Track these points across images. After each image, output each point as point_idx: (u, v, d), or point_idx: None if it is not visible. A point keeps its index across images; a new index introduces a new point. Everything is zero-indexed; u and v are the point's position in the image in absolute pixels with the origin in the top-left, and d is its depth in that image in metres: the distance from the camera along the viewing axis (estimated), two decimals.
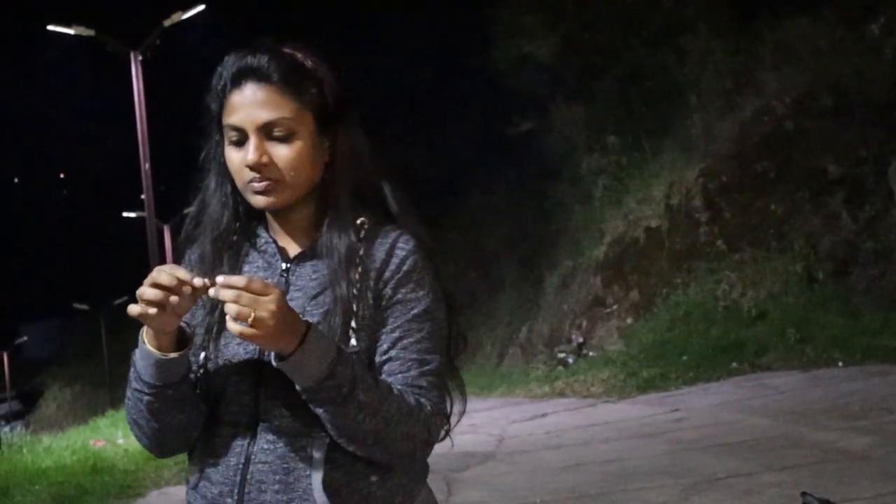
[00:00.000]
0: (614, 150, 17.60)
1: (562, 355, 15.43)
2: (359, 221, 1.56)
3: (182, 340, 1.50)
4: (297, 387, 1.43)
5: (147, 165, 16.40)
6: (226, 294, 1.35)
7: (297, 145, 1.53)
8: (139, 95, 16.75)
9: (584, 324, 16.13)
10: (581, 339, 15.68)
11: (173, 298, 1.40)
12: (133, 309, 1.42)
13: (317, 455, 1.50)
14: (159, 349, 1.47)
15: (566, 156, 19.19)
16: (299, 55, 1.58)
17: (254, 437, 1.53)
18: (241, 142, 1.53)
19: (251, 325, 1.34)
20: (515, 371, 17.00)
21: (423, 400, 1.51)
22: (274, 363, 1.42)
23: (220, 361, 1.55)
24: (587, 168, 18.24)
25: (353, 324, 1.50)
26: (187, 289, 1.40)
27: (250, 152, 1.50)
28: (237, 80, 1.53)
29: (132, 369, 1.51)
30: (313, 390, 1.42)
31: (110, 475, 8.55)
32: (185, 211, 1.70)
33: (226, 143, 1.56)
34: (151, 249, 17.41)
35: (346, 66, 1.65)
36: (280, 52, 1.55)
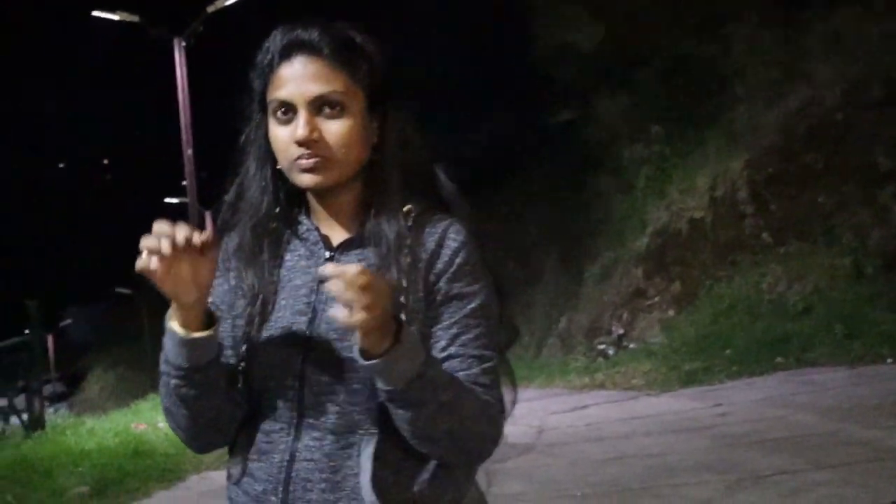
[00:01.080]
0: (658, 140, 17.36)
1: (602, 347, 15.33)
2: (406, 208, 1.50)
3: (210, 323, 1.44)
4: (382, 388, 1.36)
5: (189, 151, 16.49)
6: (336, 285, 1.27)
7: (348, 121, 1.47)
8: (182, 81, 16.83)
9: (625, 315, 15.98)
10: (622, 331, 15.55)
11: (165, 247, 1.33)
12: (137, 263, 1.36)
13: (365, 453, 1.44)
14: (188, 330, 1.42)
15: (608, 146, 18.98)
16: (350, 30, 1.52)
17: (298, 433, 1.47)
18: (288, 118, 1.47)
19: (358, 316, 1.27)
20: (554, 362, 16.90)
21: (487, 397, 1.45)
22: (361, 362, 1.35)
23: (263, 354, 1.49)
24: (629, 158, 18.02)
25: (402, 316, 1.42)
26: (184, 238, 1.34)
27: (300, 127, 1.45)
28: (286, 54, 1.48)
29: (162, 352, 1.46)
30: (401, 392, 1.36)
31: (151, 458, 8.61)
32: (226, 197, 1.64)
33: (270, 120, 1.50)
34: None
35: (394, 58, 1.60)
36: (331, 26, 1.50)
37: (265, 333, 1.50)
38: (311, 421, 1.47)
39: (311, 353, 1.46)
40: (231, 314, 1.54)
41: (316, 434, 1.46)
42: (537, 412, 9.68)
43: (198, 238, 1.36)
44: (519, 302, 20.56)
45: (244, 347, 1.50)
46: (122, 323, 53.30)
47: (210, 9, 17.28)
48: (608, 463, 6.77)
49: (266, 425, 1.50)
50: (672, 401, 9.65)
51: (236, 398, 1.51)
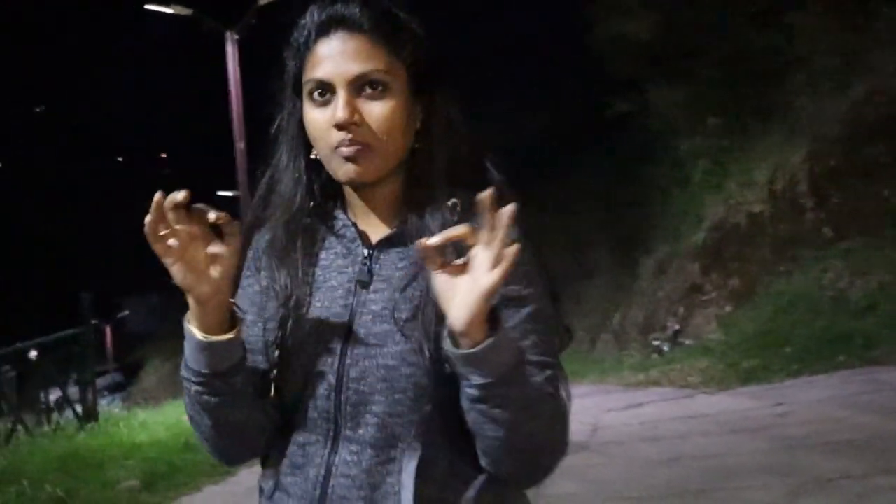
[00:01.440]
0: (715, 132, 17.06)
1: (657, 343, 15.13)
2: (451, 202, 1.36)
3: (233, 326, 1.32)
4: (479, 381, 1.22)
5: (241, 144, 16.57)
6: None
7: (391, 103, 1.34)
8: (234, 75, 16.91)
9: (681, 311, 15.72)
10: (677, 327, 15.32)
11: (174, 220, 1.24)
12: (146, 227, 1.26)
13: (408, 469, 1.31)
14: (207, 333, 1.29)
15: (664, 138, 18.70)
16: (393, 5, 1.39)
17: (335, 446, 1.35)
18: (325, 100, 1.34)
19: (497, 274, 1.16)
20: (608, 358, 16.74)
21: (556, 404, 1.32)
22: (455, 352, 1.22)
23: (296, 361, 1.37)
24: (686, 151, 17.73)
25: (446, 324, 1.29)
26: (179, 200, 1.23)
27: (339, 109, 1.32)
28: (324, 30, 1.35)
29: (182, 355, 1.35)
30: (498, 383, 1.22)
31: (202, 452, 8.51)
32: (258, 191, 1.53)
33: (306, 104, 1.37)
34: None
35: (439, 41, 1.46)
36: (374, 2, 1.37)
37: (298, 338, 1.38)
38: (348, 433, 1.35)
39: (348, 359, 1.34)
40: (262, 317, 1.42)
41: (354, 447, 1.34)
42: (591, 409, 9.51)
43: (213, 215, 1.25)
44: (572, 296, 20.40)
45: (276, 353, 1.38)
46: (178, 314, 53.93)
47: (262, 1, 17.34)
48: (664, 464, 6.60)
49: (300, 437, 1.39)
50: (730, 399, 9.43)
51: (265, 407, 1.39)
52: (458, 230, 1.19)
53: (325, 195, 1.45)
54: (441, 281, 1.21)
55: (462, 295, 1.19)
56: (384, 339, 1.33)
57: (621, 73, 19.21)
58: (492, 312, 1.21)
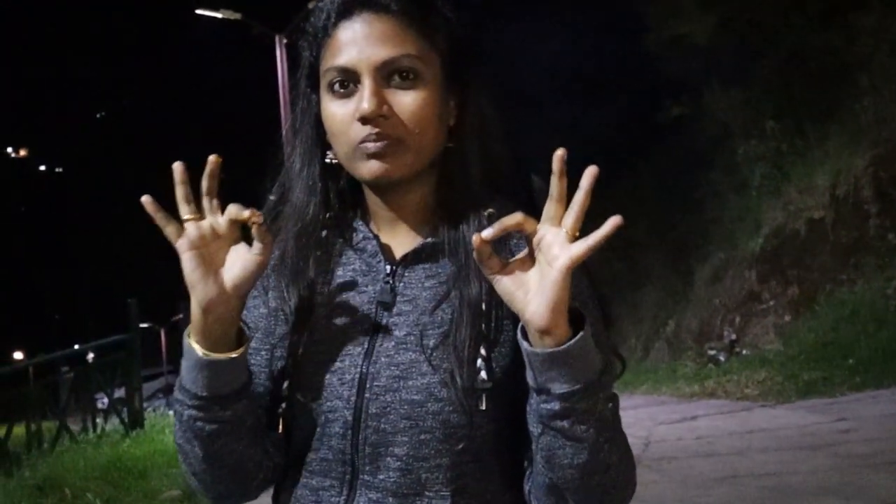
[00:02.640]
0: (774, 136, 16.75)
1: (712, 352, 14.92)
2: (487, 213, 1.17)
3: (239, 344, 1.15)
4: (561, 390, 1.06)
5: (289, 149, 16.62)
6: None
7: (423, 93, 1.16)
8: (283, 78, 16.92)
9: (738, 320, 15.47)
10: (734, 336, 15.09)
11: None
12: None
13: None
14: (209, 350, 1.12)
15: (721, 142, 18.47)
16: None
17: (352, 493, 1.17)
18: (348, 91, 1.16)
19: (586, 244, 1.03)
20: (662, 367, 16.55)
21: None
22: (538, 352, 1.05)
23: (308, 393, 1.18)
24: (743, 155, 17.46)
25: (482, 350, 1.12)
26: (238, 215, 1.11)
27: (365, 99, 1.13)
28: (346, 13, 1.17)
29: (178, 376, 1.17)
30: (588, 391, 1.06)
31: None
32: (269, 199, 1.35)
33: (324, 97, 1.19)
34: None
35: (493, 43, 1.26)
36: None
37: (310, 368, 1.19)
38: (367, 478, 1.17)
39: (367, 393, 1.16)
40: (269, 343, 1.24)
41: (373, 495, 1.16)
42: (644, 422, 9.30)
43: (247, 212, 1.10)
44: (626, 303, 20.21)
45: (285, 384, 1.20)
46: None
47: (311, 5, 17.36)
48: (720, 482, 6.37)
49: (313, 481, 1.20)
50: (789, 413, 9.17)
51: (266, 445, 1.21)
52: (514, 218, 1.05)
53: (343, 204, 1.27)
54: (505, 283, 1.06)
55: (536, 288, 1.05)
56: (409, 369, 1.15)
57: (677, 75, 19.02)
58: (574, 312, 1.06)
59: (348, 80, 1.17)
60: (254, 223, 1.10)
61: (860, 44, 15.18)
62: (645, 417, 9.67)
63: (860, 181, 13.79)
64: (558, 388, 1.05)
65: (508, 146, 1.26)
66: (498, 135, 1.25)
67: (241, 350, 1.14)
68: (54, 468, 7.81)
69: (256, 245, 1.12)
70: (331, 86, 1.18)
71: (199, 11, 17.80)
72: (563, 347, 1.03)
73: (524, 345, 1.06)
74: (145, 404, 13.22)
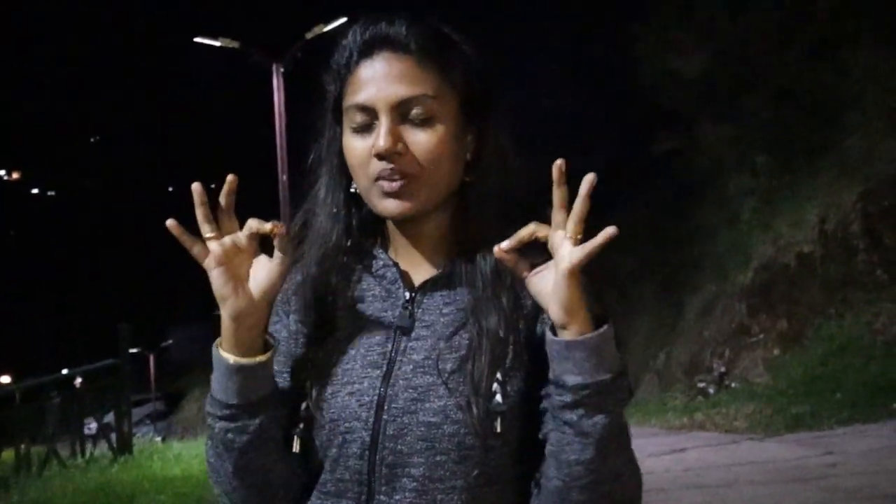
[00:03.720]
0: (764, 170, 16.91)
1: (702, 385, 14.94)
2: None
3: (265, 351, 1.22)
4: (574, 381, 1.11)
5: (285, 177, 16.63)
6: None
7: (439, 131, 1.20)
8: (279, 107, 17.03)
9: (727, 353, 15.50)
10: (723, 369, 15.09)
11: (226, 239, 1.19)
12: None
13: None
14: (236, 356, 1.20)
15: (712, 176, 18.60)
16: (443, 26, 1.25)
17: None
18: (367, 127, 1.21)
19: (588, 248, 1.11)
20: (651, 399, 16.53)
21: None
22: (558, 339, 1.12)
23: (326, 415, 1.22)
24: (734, 189, 17.61)
25: (498, 375, 1.17)
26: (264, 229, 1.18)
27: (381, 136, 1.18)
28: (367, 51, 1.22)
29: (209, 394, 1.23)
30: (600, 387, 1.11)
31: None
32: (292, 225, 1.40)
33: (346, 131, 1.23)
34: None
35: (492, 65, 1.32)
36: (420, 20, 1.23)
37: (329, 389, 1.23)
38: (383, 499, 1.19)
39: (385, 415, 1.19)
40: (289, 365, 1.28)
41: None
42: None
43: (268, 225, 1.17)
44: (616, 334, 20.21)
45: (303, 406, 1.23)
46: None
47: (309, 35, 17.50)
48: None
49: (329, 501, 1.23)
50: (777, 446, 9.17)
51: (292, 465, 1.24)
52: (528, 229, 1.14)
53: (365, 232, 1.31)
54: (533, 284, 1.15)
55: (551, 289, 1.12)
56: (426, 392, 1.19)
57: (669, 109, 19.17)
58: (598, 316, 1.14)
59: (367, 117, 1.21)
60: (276, 234, 1.17)
61: (850, 80, 15.36)
62: (634, 449, 9.66)
63: (849, 216, 13.90)
64: (572, 379, 1.10)
65: (523, 177, 1.29)
66: (513, 168, 1.28)
67: (268, 354, 1.20)
68: (43, 493, 7.77)
69: (278, 254, 1.18)
70: (352, 121, 1.22)
71: (197, 39, 17.94)
72: (580, 338, 1.09)
73: (548, 335, 1.12)
74: (133, 430, 13.14)
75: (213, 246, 1.17)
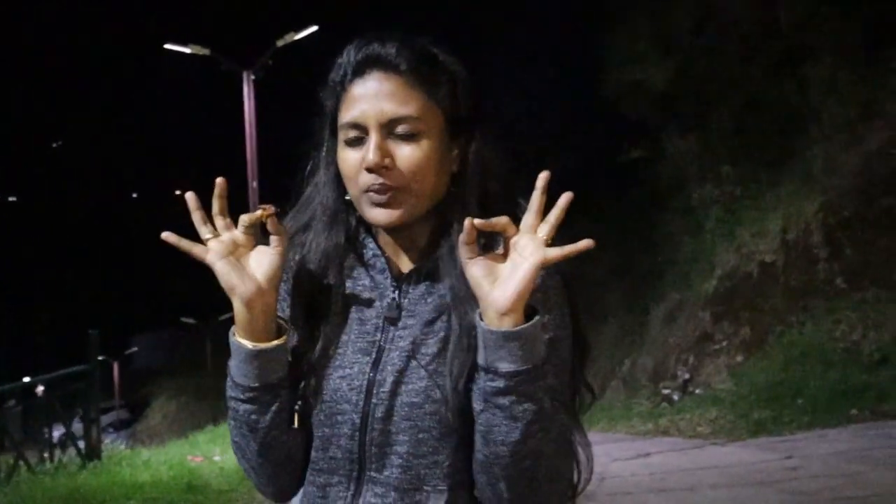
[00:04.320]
0: (728, 180, 17.10)
1: (666, 391, 15.02)
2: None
3: (279, 335, 1.32)
4: (507, 368, 1.22)
5: (255, 184, 16.64)
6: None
7: (424, 146, 1.31)
8: (250, 114, 17.05)
9: (691, 360, 15.62)
10: (687, 376, 15.20)
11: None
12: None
13: None
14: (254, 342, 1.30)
15: (677, 186, 18.75)
16: (432, 46, 1.36)
17: (358, 488, 1.31)
18: (359, 141, 1.32)
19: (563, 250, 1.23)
20: (617, 405, 16.61)
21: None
22: (494, 329, 1.22)
23: (321, 397, 1.33)
24: (699, 199, 17.77)
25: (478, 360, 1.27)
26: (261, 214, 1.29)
27: (370, 151, 1.29)
28: (360, 70, 1.33)
29: (227, 380, 1.33)
30: (530, 374, 1.22)
31: (204, 494, 8.49)
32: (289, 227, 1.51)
33: (340, 144, 1.34)
34: None
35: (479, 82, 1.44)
36: (411, 41, 1.34)
37: (323, 373, 1.35)
38: (373, 475, 1.31)
39: (374, 398, 1.31)
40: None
41: (378, 489, 1.31)
42: (599, 458, 9.20)
43: (259, 212, 1.29)
44: None
45: (300, 387, 1.35)
46: (185, 352, 54.13)
47: (280, 43, 17.53)
48: None
49: (320, 479, 1.35)
50: (740, 451, 9.30)
51: (300, 437, 1.36)
52: (501, 220, 1.23)
53: (358, 232, 1.43)
54: (476, 269, 1.23)
55: (504, 277, 1.22)
56: (409, 375, 1.31)
57: (635, 119, 19.32)
58: (529, 308, 1.23)
59: (359, 132, 1.32)
60: (268, 216, 1.28)
61: (811, 94, 15.59)
62: (600, 454, 9.64)
63: (810, 226, 14.08)
64: (505, 367, 1.21)
65: (507, 183, 1.41)
66: (498, 174, 1.40)
67: (283, 338, 1.31)
68: (12, 499, 7.75)
69: (273, 239, 1.29)
70: (345, 135, 1.34)
71: (168, 46, 17.89)
72: (517, 328, 1.20)
73: (482, 325, 1.22)
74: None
75: (213, 244, 1.28)
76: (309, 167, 1.44)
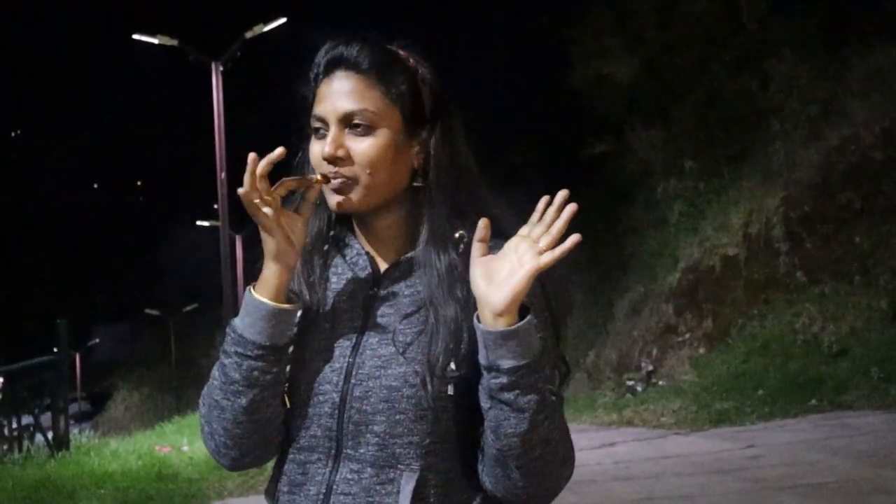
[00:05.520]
0: (692, 175, 17.26)
1: (630, 383, 15.13)
2: (457, 234, 1.44)
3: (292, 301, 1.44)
4: (509, 364, 1.31)
5: (223, 175, 16.59)
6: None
7: (377, 141, 1.42)
8: (218, 105, 16.98)
9: (655, 352, 15.77)
10: (651, 367, 15.35)
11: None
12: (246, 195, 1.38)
13: (405, 490, 1.37)
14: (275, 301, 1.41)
15: (641, 180, 18.90)
16: (397, 49, 1.47)
17: (336, 465, 1.41)
18: (323, 133, 1.43)
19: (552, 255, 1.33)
20: (581, 396, 16.69)
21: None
22: (492, 330, 1.32)
23: (303, 379, 1.44)
24: (663, 193, 17.91)
25: (450, 346, 1.38)
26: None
27: (328, 143, 1.41)
28: (328, 69, 1.45)
29: (228, 338, 1.41)
30: (532, 367, 1.32)
31: (174, 483, 8.53)
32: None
33: (312, 136, 1.47)
34: (224, 259, 17.56)
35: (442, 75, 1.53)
36: (374, 42, 1.46)
37: (308, 356, 1.45)
38: (349, 452, 1.41)
39: (353, 379, 1.41)
40: None
41: (354, 466, 1.40)
42: None
43: (312, 177, 1.43)
44: None
45: (287, 369, 1.45)
46: (148, 344, 53.67)
47: (248, 34, 17.50)
48: None
49: (300, 455, 1.45)
50: (702, 441, 9.44)
51: (282, 409, 1.46)
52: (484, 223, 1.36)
53: (341, 224, 1.54)
54: (480, 269, 1.34)
55: (502, 279, 1.31)
56: (388, 361, 1.40)
57: (600, 113, 19.45)
58: (522, 306, 1.32)
59: (322, 125, 1.44)
60: (318, 182, 1.42)
61: (773, 90, 15.81)
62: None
63: (771, 220, 14.23)
64: (506, 363, 1.31)
65: (476, 177, 1.52)
66: (467, 171, 1.50)
67: (298, 304, 1.43)
68: None
69: (308, 206, 1.43)
70: (315, 129, 1.45)
71: (136, 36, 17.77)
72: (513, 327, 1.30)
73: (480, 327, 1.33)
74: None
75: (266, 210, 1.38)
76: (298, 157, 1.53)
